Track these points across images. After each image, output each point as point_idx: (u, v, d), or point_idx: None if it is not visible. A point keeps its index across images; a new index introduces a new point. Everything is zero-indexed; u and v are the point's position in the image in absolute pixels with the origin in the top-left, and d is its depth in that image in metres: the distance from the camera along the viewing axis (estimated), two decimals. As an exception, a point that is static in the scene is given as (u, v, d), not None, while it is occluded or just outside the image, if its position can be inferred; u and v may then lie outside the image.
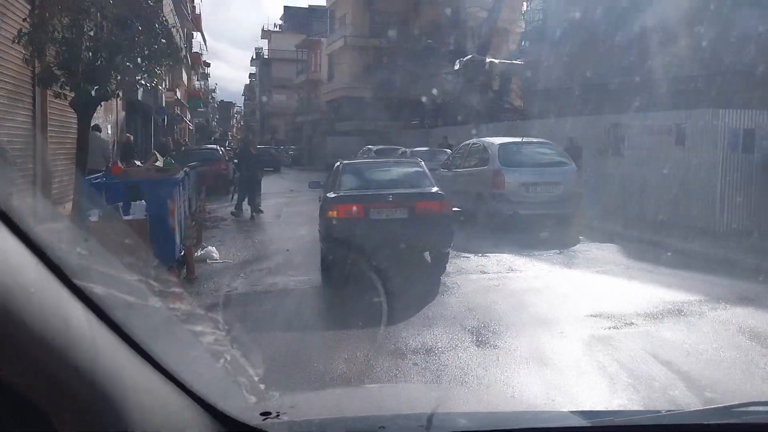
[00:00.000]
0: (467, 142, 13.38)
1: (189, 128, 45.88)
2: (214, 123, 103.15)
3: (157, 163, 12.06)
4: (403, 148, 20.12)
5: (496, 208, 11.40)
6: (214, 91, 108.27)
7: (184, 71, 40.68)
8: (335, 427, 1.42)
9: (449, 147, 16.32)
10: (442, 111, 28.90)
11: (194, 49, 51.19)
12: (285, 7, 69.11)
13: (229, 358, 1.91)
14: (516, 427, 1.40)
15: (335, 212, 7.52)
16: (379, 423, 1.36)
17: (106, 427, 0.87)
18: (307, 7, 64.21)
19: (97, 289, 0.93)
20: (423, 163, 9.08)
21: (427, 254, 8.49)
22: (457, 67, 26.99)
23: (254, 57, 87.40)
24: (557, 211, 11.53)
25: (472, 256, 9.11)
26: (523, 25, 33.54)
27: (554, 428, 1.43)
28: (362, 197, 7.72)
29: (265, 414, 1.33)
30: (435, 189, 8.09)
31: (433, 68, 34.19)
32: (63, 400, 0.83)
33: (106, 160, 11.77)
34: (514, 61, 27.38)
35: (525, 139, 12.31)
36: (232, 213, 14.05)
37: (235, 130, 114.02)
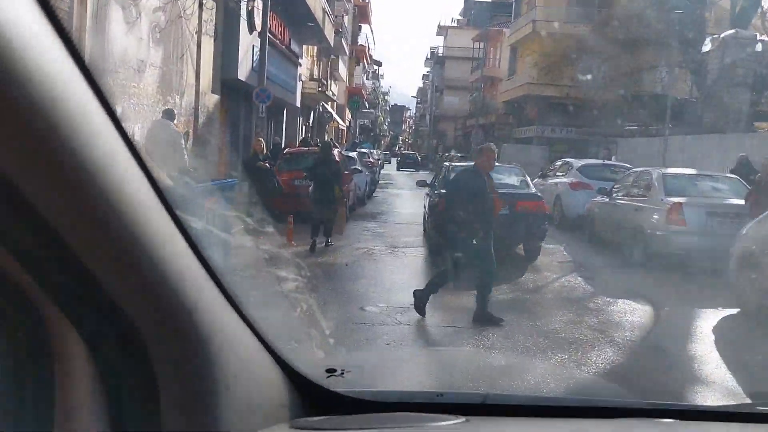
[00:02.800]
0: None
1: (340, 128, 40.66)
2: (385, 126, 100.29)
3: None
4: (634, 168, 11.93)
5: None
6: (387, 93, 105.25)
7: (341, 62, 35.56)
8: (394, 393, 1.38)
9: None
10: (678, 112, 19.87)
11: (360, 42, 46.45)
12: (465, 0, 62.58)
13: (305, 307, 2.11)
14: (566, 405, 1.39)
15: (442, 207, 8.44)
16: (437, 391, 1.37)
17: (200, 369, 0.87)
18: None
19: (196, 224, 0.91)
20: (522, 168, 10.77)
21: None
22: (707, 47, 18.04)
23: (428, 57, 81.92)
24: None
25: None
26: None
27: (605, 408, 1.37)
28: None
29: (330, 371, 1.33)
30: (533, 191, 9.97)
31: (652, 58, 25.19)
32: (171, 336, 0.83)
33: (179, 160, 8.86)
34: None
35: None
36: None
37: (406, 134, 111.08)
